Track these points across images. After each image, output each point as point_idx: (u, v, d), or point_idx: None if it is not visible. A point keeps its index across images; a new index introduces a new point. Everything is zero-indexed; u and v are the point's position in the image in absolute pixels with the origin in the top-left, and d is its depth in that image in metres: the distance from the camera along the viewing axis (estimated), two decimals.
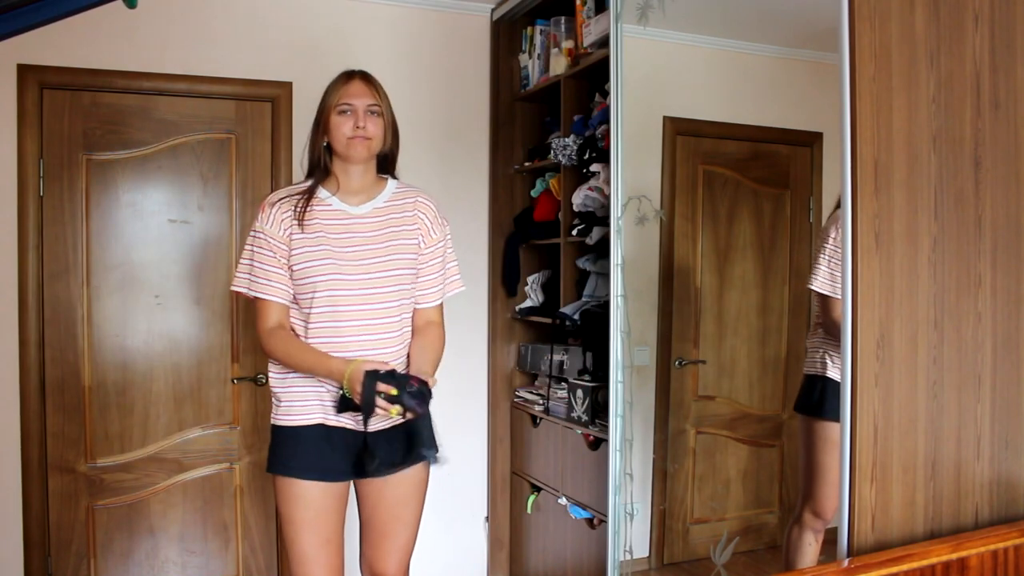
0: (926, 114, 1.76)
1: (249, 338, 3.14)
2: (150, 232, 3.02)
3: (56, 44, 2.84)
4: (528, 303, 3.38)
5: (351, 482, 2.02)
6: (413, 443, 1.89)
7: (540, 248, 3.37)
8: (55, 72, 2.87)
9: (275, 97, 3.14)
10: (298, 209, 1.92)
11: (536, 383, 3.37)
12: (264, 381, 3.16)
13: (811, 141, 2.40)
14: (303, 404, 1.93)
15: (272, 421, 1.99)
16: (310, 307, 1.89)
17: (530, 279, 3.38)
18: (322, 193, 1.95)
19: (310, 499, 1.91)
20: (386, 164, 2.03)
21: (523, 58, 3.39)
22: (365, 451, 1.89)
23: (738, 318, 2.67)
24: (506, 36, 3.43)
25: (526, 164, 3.39)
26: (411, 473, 1.99)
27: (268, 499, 3.18)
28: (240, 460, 3.14)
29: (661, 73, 2.64)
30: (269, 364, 2.01)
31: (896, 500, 1.74)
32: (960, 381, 1.81)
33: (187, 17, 3.03)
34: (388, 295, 1.92)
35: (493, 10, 3.42)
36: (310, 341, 1.90)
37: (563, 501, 2.97)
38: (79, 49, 2.88)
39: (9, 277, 2.85)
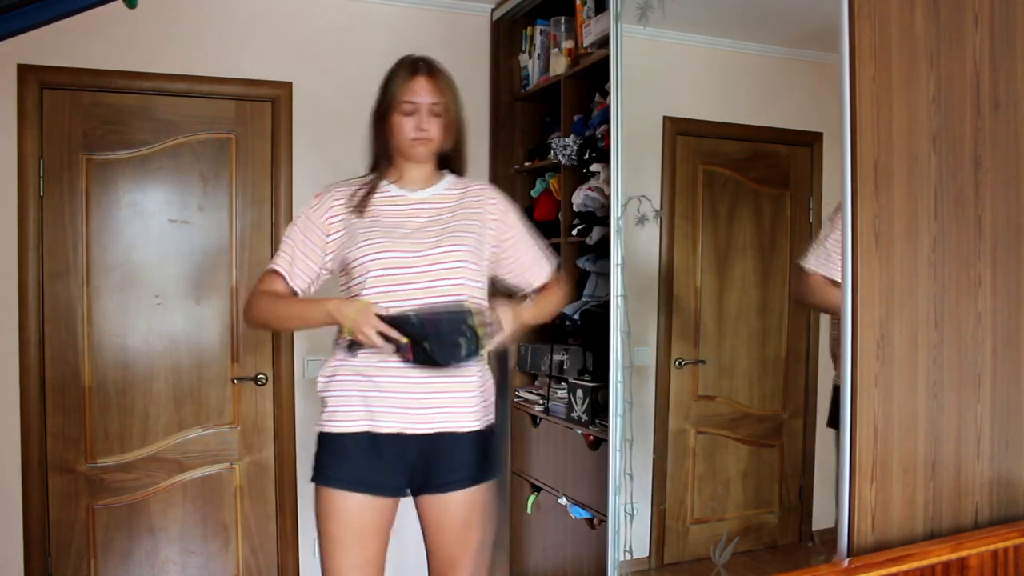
0: (926, 114, 1.76)
1: (250, 338, 3.14)
2: (150, 232, 3.02)
3: (56, 44, 2.84)
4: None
5: (399, 500, 1.87)
6: (486, 456, 1.84)
7: None
8: (55, 72, 2.87)
9: (275, 97, 3.14)
10: (355, 199, 1.84)
11: (536, 383, 3.37)
12: (264, 381, 3.16)
13: (811, 141, 2.40)
14: (347, 409, 1.80)
15: (317, 427, 1.86)
16: (361, 290, 1.78)
17: None
18: (383, 183, 1.88)
19: (351, 514, 1.77)
20: (447, 161, 1.93)
21: (523, 58, 3.39)
22: (424, 464, 1.80)
23: (738, 318, 2.67)
24: (506, 36, 3.43)
25: (526, 164, 3.39)
26: (478, 495, 1.85)
27: (268, 499, 3.18)
28: (240, 460, 3.14)
29: (661, 73, 2.64)
30: (321, 368, 1.87)
31: (896, 500, 1.74)
32: (960, 381, 1.81)
33: (187, 17, 3.03)
34: (444, 272, 1.79)
35: (493, 10, 3.42)
36: None
37: (563, 501, 2.97)
38: (79, 49, 2.88)
39: (9, 277, 2.85)
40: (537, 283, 2.00)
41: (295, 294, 1.87)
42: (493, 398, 1.91)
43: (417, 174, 1.88)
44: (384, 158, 1.88)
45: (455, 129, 1.87)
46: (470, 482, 1.83)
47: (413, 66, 1.82)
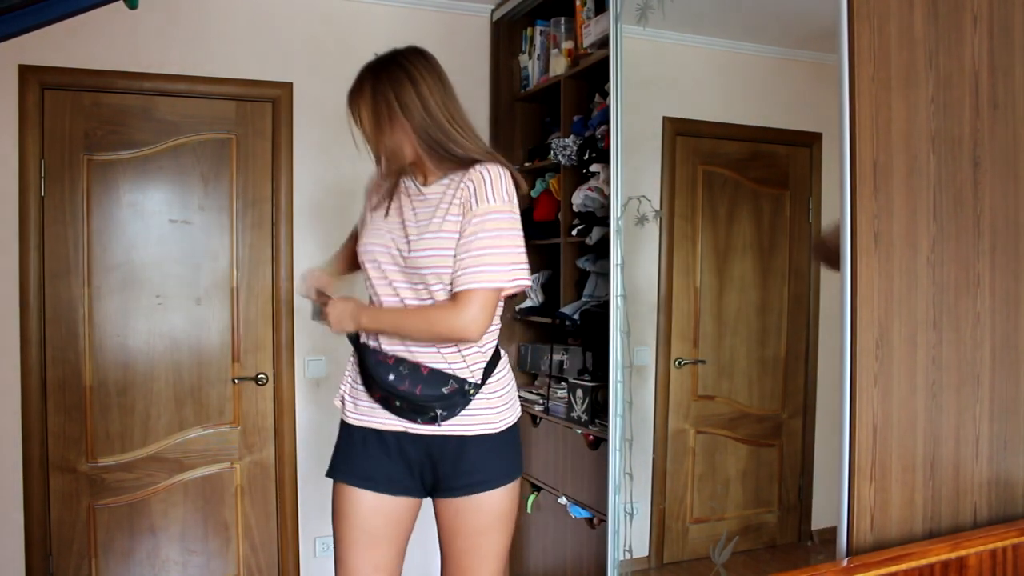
0: (925, 114, 1.77)
1: (251, 338, 3.14)
2: (151, 232, 3.03)
3: (57, 45, 2.84)
4: (528, 303, 3.38)
5: (415, 502, 1.82)
6: (501, 459, 1.79)
7: (540, 248, 3.38)
8: (56, 73, 2.87)
9: (275, 97, 3.15)
10: (369, 186, 1.86)
11: (536, 383, 3.37)
12: (265, 381, 3.17)
13: (810, 141, 2.41)
14: (355, 402, 1.82)
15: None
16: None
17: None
18: (406, 177, 1.79)
19: (361, 512, 1.74)
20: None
21: (523, 58, 3.40)
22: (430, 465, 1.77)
23: (737, 318, 2.67)
24: (506, 36, 3.43)
25: (526, 164, 3.39)
26: (494, 499, 1.76)
27: (268, 498, 3.18)
28: (241, 460, 3.14)
29: (661, 73, 2.64)
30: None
31: (895, 500, 1.74)
32: (959, 381, 1.82)
33: (187, 18, 3.03)
34: (419, 279, 1.70)
35: (493, 10, 3.42)
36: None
37: (563, 501, 2.98)
38: (80, 50, 2.89)
39: (11, 277, 2.85)
40: (454, 286, 1.68)
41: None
42: (512, 399, 1.82)
43: (422, 171, 1.78)
44: None
45: (391, 134, 1.70)
46: (484, 487, 1.75)
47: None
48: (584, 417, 2.83)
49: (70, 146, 2.92)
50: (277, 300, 3.16)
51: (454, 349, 1.73)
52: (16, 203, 2.85)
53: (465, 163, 1.71)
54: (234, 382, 3.13)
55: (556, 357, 3.10)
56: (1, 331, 2.85)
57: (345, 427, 1.84)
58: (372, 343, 1.79)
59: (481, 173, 1.67)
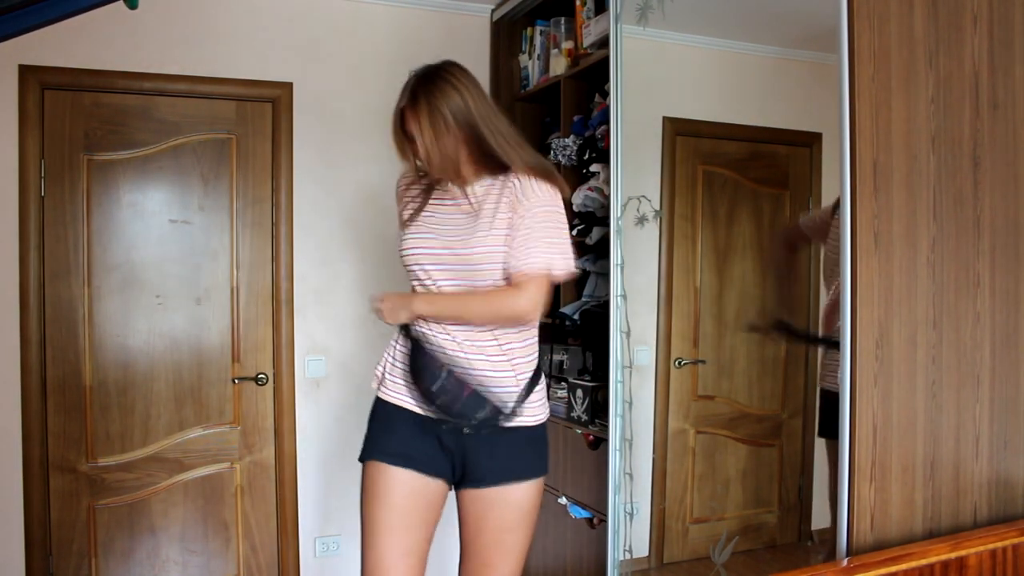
0: (925, 114, 1.77)
1: (251, 338, 3.14)
2: (151, 232, 3.03)
3: (57, 45, 2.84)
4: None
5: (445, 490, 1.86)
6: (532, 454, 1.83)
7: None
8: (56, 73, 2.87)
9: (275, 97, 3.15)
10: (399, 190, 1.96)
11: None
12: (265, 381, 3.17)
13: (810, 141, 2.41)
14: (395, 382, 1.86)
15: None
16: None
17: None
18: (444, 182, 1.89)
19: (396, 493, 1.77)
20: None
21: (523, 58, 3.40)
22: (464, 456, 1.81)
23: (737, 318, 2.67)
24: (506, 36, 3.43)
25: None
26: (521, 494, 1.82)
27: (268, 498, 3.18)
28: (241, 460, 3.15)
29: (661, 73, 2.64)
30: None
31: (895, 500, 1.74)
32: (959, 381, 1.82)
33: (188, 18, 3.03)
34: (471, 276, 1.79)
35: (493, 10, 3.42)
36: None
37: (563, 501, 2.98)
38: (80, 50, 2.89)
39: (11, 277, 2.85)
40: (512, 271, 1.77)
41: None
42: (544, 396, 1.90)
43: (464, 174, 1.86)
44: None
45: (447, 142, 1.78)
46: (515, 478, 1.81)
47: (401, 99, 1.83)
48: (584, 417, 2.83)
49: (70, 146, 2.92)
50: (277, 300, 3.16)
51: (505, 358, 1.80)
52: (16, 203, 2.85)
53: (506, 168, 1.82)
54: (234, 382, 3.13)
55: (556, 357, 3.10)
56: (1, 331, 2.85)
57: (381, 407, 1.88)
58: (426, 345, 1.81)
59: (525, 173, 1.81)
